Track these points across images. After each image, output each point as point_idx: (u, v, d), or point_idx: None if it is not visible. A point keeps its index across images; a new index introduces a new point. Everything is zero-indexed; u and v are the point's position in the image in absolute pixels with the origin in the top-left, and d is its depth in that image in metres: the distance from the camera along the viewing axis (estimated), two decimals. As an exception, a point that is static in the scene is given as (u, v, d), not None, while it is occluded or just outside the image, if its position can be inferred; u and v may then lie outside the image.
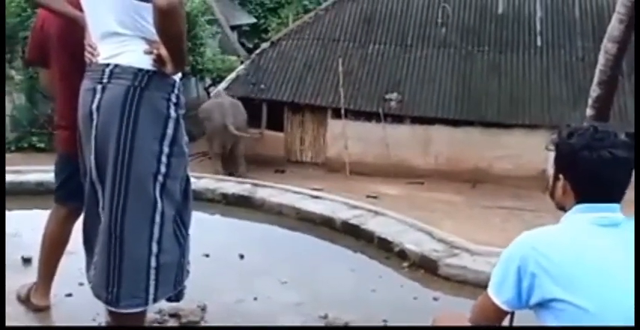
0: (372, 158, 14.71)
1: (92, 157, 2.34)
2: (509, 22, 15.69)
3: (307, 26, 16.36)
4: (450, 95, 14.81)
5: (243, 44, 23.23)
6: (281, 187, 4.93)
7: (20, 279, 3.18)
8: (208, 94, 18.84)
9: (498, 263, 1.80)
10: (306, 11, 20.87)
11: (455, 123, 14.48)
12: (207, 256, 3.80)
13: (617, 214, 1.76)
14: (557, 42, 15.27)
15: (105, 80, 2.31)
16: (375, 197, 13.01)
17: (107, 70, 2.31)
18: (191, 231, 4.14)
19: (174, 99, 2.38)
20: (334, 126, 15.10)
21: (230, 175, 11.71)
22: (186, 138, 2.49)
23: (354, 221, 4.24)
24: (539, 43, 15.30)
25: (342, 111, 14.83)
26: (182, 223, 2.57)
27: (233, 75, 16.03)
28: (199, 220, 4.49)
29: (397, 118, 14.84)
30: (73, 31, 2.57)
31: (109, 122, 2.29)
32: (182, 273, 2.63)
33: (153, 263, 2.43)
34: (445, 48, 15.48)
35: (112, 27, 2.30)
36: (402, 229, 4.16)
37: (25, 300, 3.13)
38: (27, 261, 3.57)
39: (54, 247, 3.02)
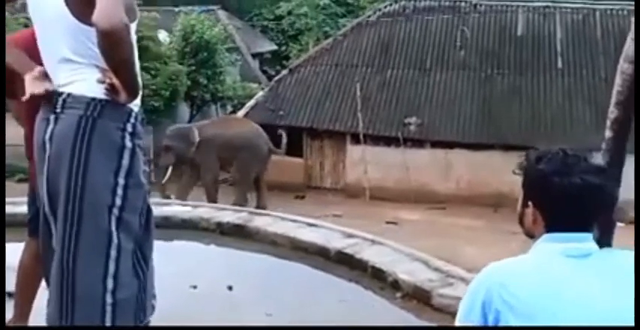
0: (391, 183, 14.56)
1: (44, 189, 2.28)
2: (528, 43, 15.55)
3: (325, 52, 16.43)
4: (470, 119, 14.65)
5: (265, 71, 23.44)
6: (278, 215, 4.83)
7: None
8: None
9: (466, 293, 1.68)
10: (327, 37, 20.99)
11: (475, 146, 14.28)
12: (194, 287, 3.71)
13: (587, 244, 1.63)
14: (579, 62, 15.06)
15: (58, 110, 2.25)
16: (394, 223, 12.84)
17: (60, 100, 2.25)
18: (182, 262, 4.13)
19: (129, 128, 2.30)
20: (353, 151, 15.03)
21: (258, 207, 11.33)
22: (145, 168, 2.42)
23: (348, 250, 4.11)
24: (560, 64, 15.11)
25: (361, 136, 14.75)
26: (142, 257, 2.47)
27: (252, 102, 16.13)
28: (191, 251, 4.50)
29: (417, 143, 14.72)
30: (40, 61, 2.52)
31: (60, 153, 2.23)
32: (143, 309, 2.52)
33: (109, 299, 2.33)
34: (464, 71, 15.37)
35: (65, 54, 2.24)
36: (397, 258, 4.01)
37: (4, 334, 3.06)
38: (11, 295, 3.51)
39: (29, 281, 2.96)
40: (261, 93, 16.60)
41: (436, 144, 14.59)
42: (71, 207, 2.23)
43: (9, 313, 3.07)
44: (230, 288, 3.76)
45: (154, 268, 2.60)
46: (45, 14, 2.26)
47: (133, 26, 2.30)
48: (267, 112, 15.62)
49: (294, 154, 15.57)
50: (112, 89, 2.19)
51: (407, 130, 14.75)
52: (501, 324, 1.57)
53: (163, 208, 4.94)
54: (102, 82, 2.19)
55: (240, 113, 15.99)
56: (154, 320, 2.63)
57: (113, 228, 2.28)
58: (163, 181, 11.96)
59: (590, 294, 1.55)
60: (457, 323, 1.68)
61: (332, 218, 12.67)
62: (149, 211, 2.52)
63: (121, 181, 2.28)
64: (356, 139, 14.91)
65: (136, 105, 2.36)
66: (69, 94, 2.25)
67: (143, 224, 2.46)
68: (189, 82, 17.33)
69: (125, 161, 2.28)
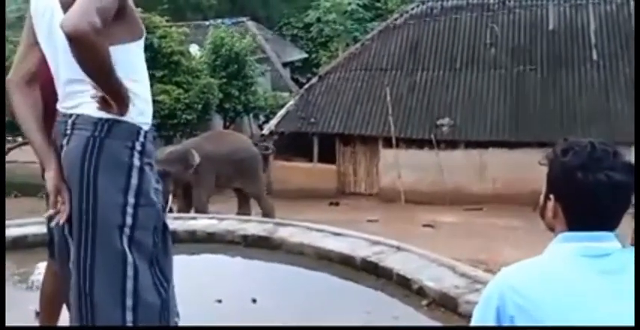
0: (426, 186, 14.41)
1: None
2: (561, 37, 15.23)
3: (354, 58, 16.40)
4: (504, 117, 14.41)
5: (296, 80, 23.53)
6: (303, 225, 4.80)
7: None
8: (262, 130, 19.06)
9: (480, 300, 1.63)
10: (356, 42, 20.97)
11: (510, 145, 14.02)
12: (219, 301, 3.71)
13: (607, 243, 1.54)
14: (615, 54, 14.68)
15: (68, 132, 2.28)
16: (431, 226, 12.69)
17: (70, 122, 2.27)
18: (207, 276, 4.15)
19: (138, 147, 2.30)
20: (386, 155, 14.94)
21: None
22: (157, 186, 2.43)
23: (373, 258, 4.06)
24: (594, 56, 14.74)
25: (394, 140, 14.65)
26: (162, 275, 2.48)
27: (283, 111, 16.19)
28: (216, 264, 4.51)
29: (450, 144, 14.54)
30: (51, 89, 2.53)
31: (70, 175, 2.26)
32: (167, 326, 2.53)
33: (129, 318, 2.34)
34: (495, 69, 15.15)
35: (73, 74, 2.21)
36: (422, 264, 3.95)
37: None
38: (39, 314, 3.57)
39: (51, 303, 2.99)
40: (291, 102, 16.65)
41: (470, 144, 14.38)
42: (84, 228, 2.25)
43: None
44: (254, 301, 3.75)
45: (175, 287, 2.60)
46: (51, 36, 2.27)
47: (138, 43, 2.31)
48: (298, 121, 15.66)
49: (326, 160, 15.57)
50: (102, 102, 2.14)
51: (439, 132, 14.59)
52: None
53: (189, 222, 4.98)
54: (94, 96, 2.15)
55: (272, 123, 16.06)
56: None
57: (126, 247, 2.29)
58: (167, 210, 11.16)
59: (601, 295, 1.48)
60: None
61: (367, 224, 12.64)
62: (165, 229, 2.53)
63: (131, 200, 2.29)
64: (388, 143, 14.81)
65: (145, 123, 2.35)
66: (78, 116, 2.26)
67: (160, 243, 2.47)
68: (221, 95, 17.50)
69: (134, 180, 2.29)
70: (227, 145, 11.75)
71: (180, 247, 4.61)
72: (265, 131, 16.37)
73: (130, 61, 2.22)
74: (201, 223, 5.00)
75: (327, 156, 15.57)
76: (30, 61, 2.40)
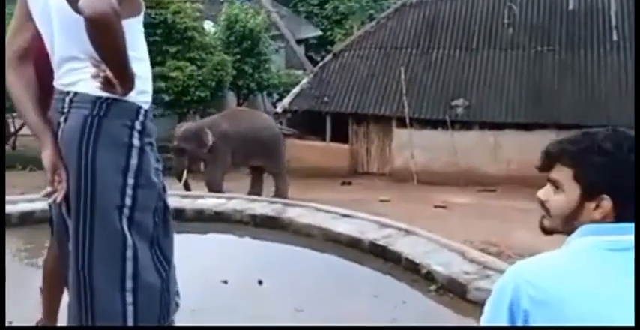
0: (439, 167, 14.29)
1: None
2: (581, 18, 14.91)
3: (369, 36, 16.18)
4: (520, 98, 14.20)
5: (311, 57, 23.33)
6: (312, 205, 4.75)
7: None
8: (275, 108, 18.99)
9: (492, 294, 1.54)
10: (372, 20, 20.68)
11: (526, 127, 13.83)
12: (225, 282, 3.68)
13: (631, 236, 1.45)
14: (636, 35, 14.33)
15: (65, 110, 2.22)
16: (444, 207, 12.60)
17: (67, 99, 2.21)
18: (214, 256, 4.11)
19: (138, 127, 2.24)
20: (400, 135, 14.81)
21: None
22: (157, 166, 2.37)
23: (381, 242, 4.00)
24: (614, 37, 14.43)
25: (407, 120, 14.50)
26: (163, 256, 2.44)
27: (297, 89, 16.06)
28: (224, 244, 4.47)
29: (465, 125, 14.37)
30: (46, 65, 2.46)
31: (68, 155, 2.20)
32: (167, 308, 2.49)
33: (129, 299, 2.30)
34: (513, 50, 14.89)
35: (70, 51, 2.17)
36: (432, 248, 3.88)
37: (35, 334, 3.10)
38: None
39: (54, 279, 2.97)
40: (305, 80, 16.50)
41: (484, 125, 14.20)
42: (82, 209, 2.20)
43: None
44: (260, 282, 3.72)
45: (177, 267, 2.56)
46: (47, 12, 2.21)
47: (138, 19, 2.23)
48: (311, 99, 15.53)
49: (339, 140, 15.47)
50: (106, 82, 2.07)
51: (454, 113, 14.42)
52: (531, 323, 1.43)
53: (197, 201, 4.94)
54: (96, 76, 2.08)
55: (286, 101, 15.95)
56: (180, 315, 2.61)
57: (125, 228, 2.25)
58: (182, 185, 10.98)
59: (624, 292, 1.40)
60: (482, 323, 1.56)
61: (379, 204, 12.58)
62: (166, 209, 2.48)
63: (131, 180, 2.23)
64: (402, 123, 14.67)
65: (145, 102, 2.29)
66: (75, 94, 2.20)
67: (160, 223, 2.42)
68: (234, 72, 17.39)
69: (134, 160, 2.23)
70: (245, 124, 11.68)
71: (188, 226, 4.60)
72: (279, 109, 16.27)
73: (130, 38, 2.14)
74: (209, 202, 4.96)
75: (340, 135, 15.45)
76: (23, 37, 2.33)
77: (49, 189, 2.26)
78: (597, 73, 14.07)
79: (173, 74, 15.61)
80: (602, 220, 1.47)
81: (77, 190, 2.20)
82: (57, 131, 2.26)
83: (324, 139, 15.42)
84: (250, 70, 17.99)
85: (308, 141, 15.57)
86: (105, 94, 2.16)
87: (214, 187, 11.23)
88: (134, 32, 2.18)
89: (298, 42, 22.80)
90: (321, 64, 16.70)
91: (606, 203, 1.46)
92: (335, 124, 15.50)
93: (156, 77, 15.59)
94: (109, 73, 2.04)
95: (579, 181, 1.48)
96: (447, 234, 7.98)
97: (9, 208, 4.55)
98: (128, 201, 2.24)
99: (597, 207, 1.47)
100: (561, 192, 1.51)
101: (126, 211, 2.25)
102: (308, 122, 15.50)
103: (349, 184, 14.86)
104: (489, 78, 14.66)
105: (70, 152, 2.19)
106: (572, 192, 1.49)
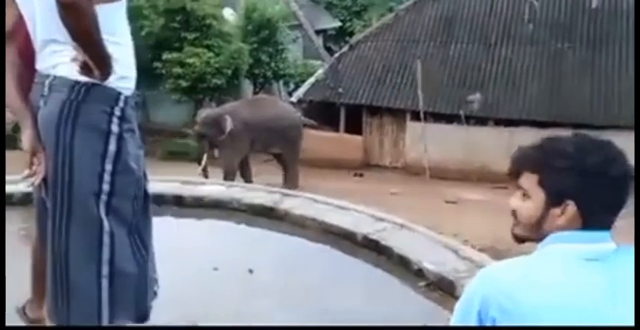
0: (453, 162, 14.19)
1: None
2: (603, 15, 14.67)
3: (387, 28, 16.06)
4: (537, 95, 14.02)
5: (329, 48, 23.21)
6: (310, 197, 4.72)
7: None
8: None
9: (461, 297, 1.51)
10: (391, 12, 20.53)
11: (542, 125, 13.65)
12: (215, 269, 3.68)
13: (607, 244, 1.42)
14: (659, 35, 14.06)
15: (45, 93, 2.21)
16: (454, 202, 12.51)
17: (47, 83, 2.20)
18: (207, 243, 4.11)
19: (117, 112, 2.23)
20: (413, 128, 14.71)
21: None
22: (138, 153, 2.36)
23: (375, 236, 3.97)
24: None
25: (422, 114, 14.39)
26: (142, 243, 2.43)
27: (312, 79, 16.01)
28: (218, 232, 4.47)
29: (480, 120, 14.22)
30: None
31: (47, 139, 2.20)
32: (145, 295, 2.49)
33: (104, 285, 2.30)
34: (532, 46, 14.69)
35: (51, 34, 2.16)
36: (425, 245, 3.84)
37: (21, 312, 3.13)
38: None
39: (41, 262, 2.99)
40: (321, 70, 16.44)
41: (500, 122, 14.05)
42: (59, 193, 2.20)
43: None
44: (251, 271, 3.71)
45: (154, 254, 2.56)
46: None
47: (117, 5, 2.20)
48: (326, 90, 15.47)
49: (353, 131, 15.41)
50: (84, 66, 2.06)
51: (469, 108, 14.27)
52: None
53: (197, 187, 4.94)
54: (74, 59, 2.07)
55: (301, 91, 15.92)
56: (166, 301, 2.61)
57: (103, 214, 2.24)
58: (200, 169, 11.31)
59: (601, 301, 1.36)
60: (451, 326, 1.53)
61: (390, 196, 12.52)
62: (146, 196, 2.47)
63: (108, 167, 2.23)
64: (416, 117, 14.57)
65: (126, 89, 2.27)
66: (55, 77, 2.19)
67: (140, 211, 2.41)
68: (251, 60, 17.38)
69: (112, 146, 2.22)
70: (267, 112, 11.76)
71: (186, 212, 4.61)
72: (293, 99, 16.25)
73: (110, 23, 2.12)
74: (208, 188, 4.96)
75: (354, 126, 15.40)
76: (6, 20, 2.32)
77: (27, 171, 2.26)
78: (618, 72, 13.84)
79: (190, 61, 15.63)
80: (569, 227, 1.43)
81: (55, 175, 2.20)
82: (37, 114, 2.25)
83: (337, 130, 15.37)
84: (267, 59, 17.96)
85: (321, 131, 15.54)
86: (83, 79, 2.14)
87: (229, 174, 11.40)
88: (111, 17, 2.15)
89: (317, 32, 22.68)
90: (337, 55, 16.62)
91: (570, 209, 1.42)
92: (349, 115, 15.45)
93: (173, 63, 15.79)
94: (86, 57, 2.03)
95: (543, 186, 1.45)
96: (455, 230, 7.94)
97: (10, 188, 4.57)
98: (106, 187, 2.24)
99: (562, 213, 1.43)
100: (528, 199, 1.48)
101: (103, 197, 2.24)
102: (322, 113, 15.45)
103: (361, 175, 14.83)
104: (507, 74, 14.49)
105: (48, 137, 2.19)
106: (537, 198, 1.46)
